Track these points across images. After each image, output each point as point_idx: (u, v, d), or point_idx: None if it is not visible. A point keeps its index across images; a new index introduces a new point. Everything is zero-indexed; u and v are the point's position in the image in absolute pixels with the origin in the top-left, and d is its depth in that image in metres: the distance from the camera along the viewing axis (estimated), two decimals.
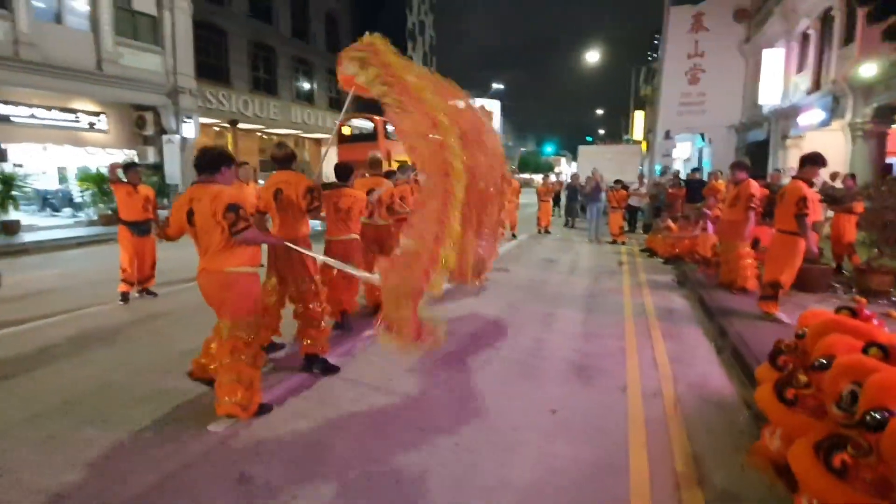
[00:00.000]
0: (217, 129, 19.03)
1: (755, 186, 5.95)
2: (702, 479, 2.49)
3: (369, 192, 4.83)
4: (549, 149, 74.93)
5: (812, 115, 12.63)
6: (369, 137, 13.25)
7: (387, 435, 2.86)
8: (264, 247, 3.31)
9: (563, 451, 2.71)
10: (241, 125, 18.62)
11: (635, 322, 5.14)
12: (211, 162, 2.86)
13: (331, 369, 3.73)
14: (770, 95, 15.19)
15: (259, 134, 21.69)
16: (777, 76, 15.04)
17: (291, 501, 2.27)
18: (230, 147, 18.43)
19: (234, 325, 2.85)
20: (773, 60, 15.16)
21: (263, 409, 3.06)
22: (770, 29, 15.72)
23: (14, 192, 11.24)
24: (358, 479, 2.44)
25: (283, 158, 3.71)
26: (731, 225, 6.10)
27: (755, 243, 6.57)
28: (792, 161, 13.56)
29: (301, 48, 22.56)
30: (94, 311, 5.44)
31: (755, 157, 16.93)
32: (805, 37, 14.10)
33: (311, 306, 3.66)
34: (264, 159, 22.15)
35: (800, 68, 14.39)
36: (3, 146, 12.85)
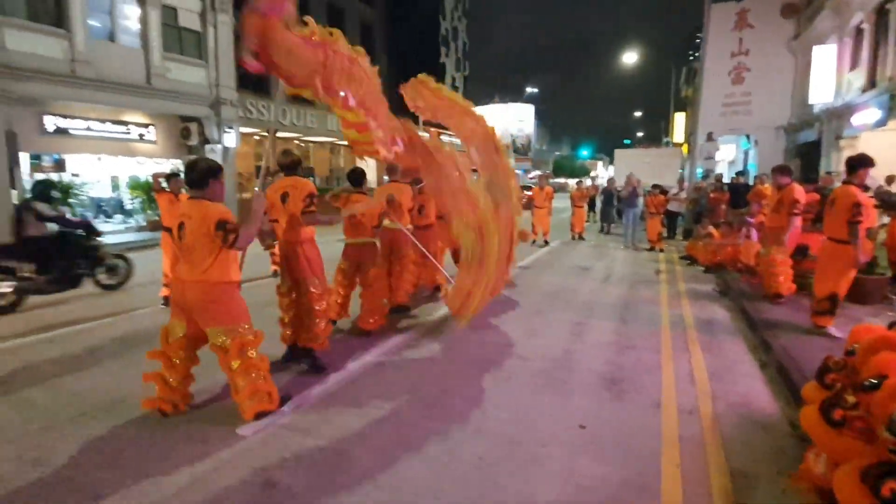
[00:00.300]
0: (256, 137, 19.71)
1: (799, 191, 5.68)
2: (739, 502, 2.34)
3: (389, 198, 5.00)
4: (584, 152, 73.68)
5: (867, 115, 11.85)
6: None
7: (409, 445, 2.83)
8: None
9: (592, 469, 2.61)
10: (279, 134, 19.22)
11: (672, 334, 4.93)
12: (199, 177, 2.98)
13: (319, 368, 3.88)
14: (821, 94, 14.36)
15: (296, 142, 22.31)
16: (829, 74, 14.22)
17: None
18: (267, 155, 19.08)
19: (230, 330, 2.96)
20: (825, 57, 14.34)
21: (284, 400, 3.26)
22: (821, 24, 14.90)
23: (71, 200, 12.01)
24: (380, 490, 2.43)
25: (289, 165, 4.01)
26: (775, 231, 5.82)
27: (805, 251, 6.20)
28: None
29: None
30: (138, 314, 5.71)
31: (806, 158, 16.05)
32: (859, 32, 13.28)
33: (315, 306, 3.85)
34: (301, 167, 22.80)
35: (853, 65, 13.55)
36: (63, 157, 13.76)
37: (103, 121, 13.16)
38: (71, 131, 12.54)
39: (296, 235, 3.88)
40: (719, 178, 12.86)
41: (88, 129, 12.86)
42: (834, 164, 13.37)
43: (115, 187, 17.03)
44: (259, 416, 3.05)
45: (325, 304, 3.94)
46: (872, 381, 2.12)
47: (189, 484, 2.47)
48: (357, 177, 4.88)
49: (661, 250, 10.65)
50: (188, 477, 2.53)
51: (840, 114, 13.54)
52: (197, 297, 2.95)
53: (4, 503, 2.33)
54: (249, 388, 2.99)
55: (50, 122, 12.12)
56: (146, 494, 2.39)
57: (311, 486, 2.46)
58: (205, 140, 14.87)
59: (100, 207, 16.16)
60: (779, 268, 5.74)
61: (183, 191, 6.28)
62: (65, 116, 12.37)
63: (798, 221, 5.68)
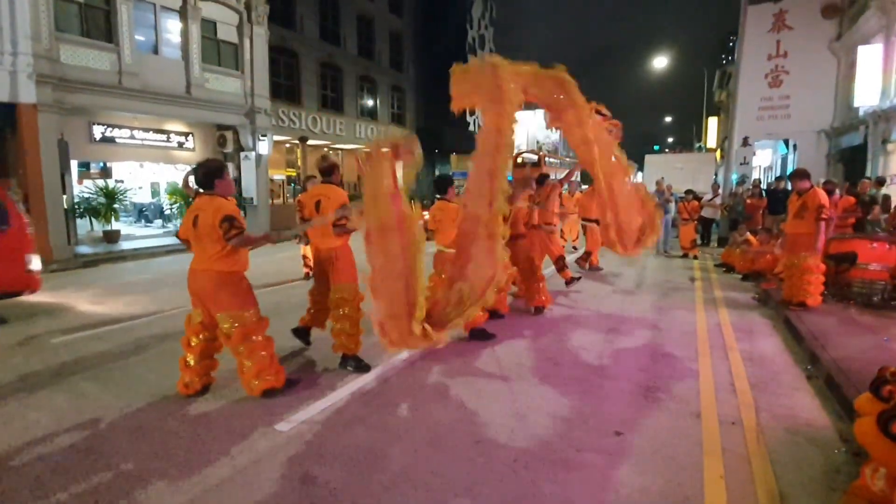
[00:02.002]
0: (288, 145, 20.23)
1: (823, 196, 5.53)
2: None
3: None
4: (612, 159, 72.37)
5: None
6: (535, 164, 16.60)
7: (444, 446, 2.84)
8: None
9: (630, 477, 2.55)
10: (309, 141, 19.68)
11: (710, 342, 4.78)
12: (206, 178, 3.30)
13: (363, 368, 3.94)
14: (867, 96, 13.75)
15: (326, 149, 22.78)
16: (875, 75, 13.60)
17: None
18: (299, 162, 19.55)
19: (236, 316, 3.26)
20: (871, 58, 13.73)
21: (291, 383, 3.54)
22: (865, 24, 14.30)
23: (115, 205, 12.59)
24: (417, 489, 2.44)
25: (325, 170, 4.06)
26: (798, 237, 5.64)
27: (853, 259, 5.94)
28: (895, 168, 12.18)
29: (366, 66, 23.54)
30: (178, 313, 5.91)
31: (850, 163, 15.37)
32: None
33: (346, 311, 3.90)
34: None
35: None
36: (109, 164, 14.46)
37: (146, 130, 13.78)
38: (117, 140, 13.17)
39: (328, 242, 3.94)
40: (757, 183, 12.45)
41: (132, 137, 13.48)
42: (881, 168, 12.76)
43: (156, 193, 17.78)
44: (266, 393, 3.35)
45: (358, 308, 3.95)
46: None
47: (231, 476, 2.54)
48: (443, 183, 4.82)
49: (696, 257, 10.35)
50: (230, 469, 2.60)
51: (888, 116, 12.93)
52: (206, 284, 3.27)
53: (60, 491, 2.44)
54: (256, 368, 3.30)
55: (98, 131, 12.75)
56: (192, 485, 2.47)
57: (348, 482, 2.49)
58: (239, 147, 15.36)
59: (141, 212, 16.88)
60: (811, 275, 5.52)
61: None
62: (111, 126, 13.00)
63: (824, 227, 5.49)
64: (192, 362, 3.41)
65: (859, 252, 5.92)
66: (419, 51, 27.98)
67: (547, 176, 6.28)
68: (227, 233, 3.13)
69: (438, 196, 4.75)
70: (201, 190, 3.36)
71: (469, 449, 2.81)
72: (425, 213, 4.73)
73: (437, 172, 26.75)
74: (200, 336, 3.39)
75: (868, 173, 12.72)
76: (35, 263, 5.65)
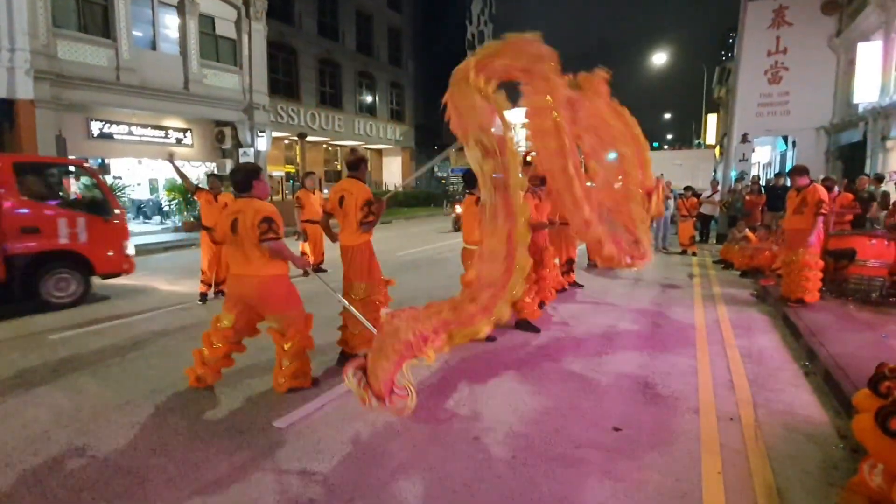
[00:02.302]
0: (287, 141, 20.19)
1: (823, 191, 5.55)
2: None
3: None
4: (611, 156, 72.43)
5: None
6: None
7: (443, 443, 2.84)
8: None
9: (629, 472, 2.55)
10: (308, 138, 19.64)
11: (709, 339, 4.79)
12: (244, 180, 3.25)
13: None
14: (866, 93, 13.74)
15: (325, 146, 22.75)
16: (874, 72, 13.59)
17: (349, 502, 2.30)
18: (298, 158, 19.51)
19: (288, 316, 3.29)
20: (870, 55, 13.72)
21: (315, 382, 3.56)
22: (865, 21, 14.27)
23: None
24: (415, 485, 2.44)
25: (352, 164, 3.98)
26: (797, 234, 5.65)
27: (852, 255, 5.94)
28: (894, 164, 12.17)
29: (365, 62, 23.47)
30: (176, 309, 5.91)
31: (849, 160, 15.37)
32: None
33: (373, 314, 3.79)
34: (329, 170, 23.20)
35: None
36: (107, 161, 14.41)
37: (144, 126, 13.74)
38: (114, 136, 13.14)
39: (353, 239, 3.88)
40: (756, 180, 12.44)
41: (130, 133, 13.45)
42: (880, 165, 12.76)
43: (154, 189, 17.74)
44: (291, 390, 3.39)
45: (383, 308, 3.93)
46: None
47: (228, 473, 2.54)
48: (473, 178, 4.72)
49: (694, 254, 10.36)
50: (228, 466, 2.60)
51: (887, 113, 12.93)
52: (254, 290, 3.25)
53: (57, 487, 2.44)
54: (294, 368, 3.35)
55: (95, 128, 12.71)
56: (190, 481, 2.46)
57: (346, 478, 2.49)
58: (238, 144, 15.33)
59: (139, 209, 16.84)
60: (809, 272, 5.54)
61: (222, 190, 6.50)
62: (109, 122, 12.96)
63: (822, 222, 5.51)
64: (209, 361, 3.39)
65: (858, 248, 5.93)
66: (418, 47, 27.91)
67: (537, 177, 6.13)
68: (263, 234, 3.08)
69: (468, 191, 4.62)
70: (226, 190, 3.33)
71: (467, 445, 2.81)
72: (457, 207, 4.61)
73: (436, 169, 26.74)
74: (225, 340, 3.34)
75: (867, 170, 12.72)
76: (130, 249, 6.55)
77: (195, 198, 6.45)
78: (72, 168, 7.31)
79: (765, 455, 2.72)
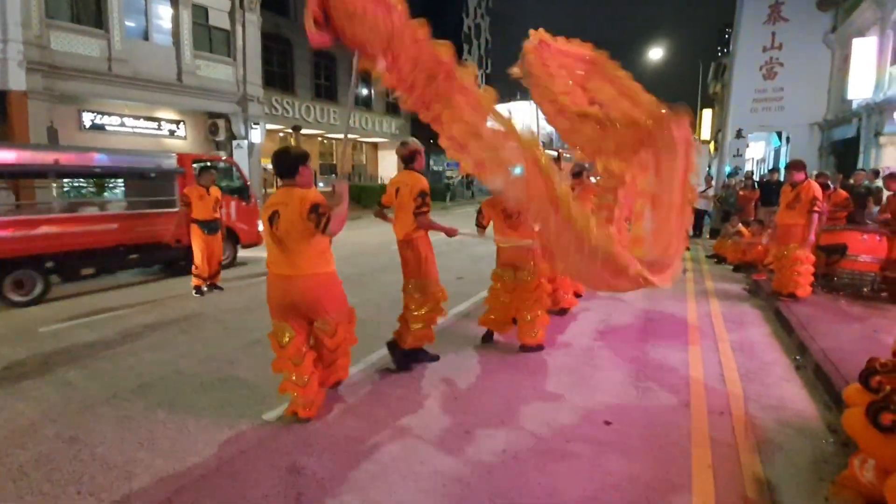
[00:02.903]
0: (281, 134, 20.03)
1: (817, 188, 5.57)
2: None
3: None
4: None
5: None
6: (555, 160, 16.41)
7: (434, 437, 2.82)
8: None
9: (619, 466, 2.55)
10: (303, 131, 19.49)
11: (700, 333, 4.80)
12: (290, 166, 2.86)
13: (435, 358, 3.93)
14: (861, 89, 13.78)
15: (320, 139, 22.59)
16: (869, 68, 13.63)
17: (338, 497, 2.29)
18: None
19: (338, 315, 2.99)
20: (865, 50, 13.75)
21: (338, 383, 3.39)
22: (861, 17, 14.29)
23: (105, 194, 12.41)
24: (404, 479, 2.43)
25: (407, 156, 3.75)
26: (789, 228, 5.68)
27: (843, 250, 5.97)
28: (887, 160, 12.22)
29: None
30: (169, 303, 5.87)
31: (842, 156, 15.43)
32: None
33: (411, 305, 3.72)
34: (324, 163, 23.06)
35: None
36: None
37: (137, 117, 13.57)
38: (107, 127, 12.98)
39: (405, 233, 3.69)
40: (749, 175, 12.48)
41: (123, 125, 13.29)
42: (873, 161, 12.82)
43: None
44: (336, 384, 3.30)
45: (439, 308, 3.79)
46: None
47: (217, 467, 2.52)
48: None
49: (688, 249, 10.38)
50: (216, 460, 2.58)
51: (881, 109, 12.98)
52: (304, 291, 2.85)
53: (43, 481, 2.41)
54: (343, 363, 3.18)
55: (87, 119, 12.56)
56: (177, 476, 2.44)
57: (336, 471, 2.48)
58: (232, 136, 15.18)
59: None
60: (801, 266, 5.56)
61: (214, 183, 6.44)
62: (101, 113, 12.80)
63: (816, 218, 5.53)
64: (303, 382, 2.92)
65: (850, 243, 5.96)
66: None
67: (583, 167, 5.85)
68: (318, 224, 2.67)
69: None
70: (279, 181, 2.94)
71: (459, 439, 2.80)
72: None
73: (432, 163, 26.64)
74: (300, 355, 2.92)
75: (860, 166, 12.78)
76: (261, 226, 7.00)
77: (183, 197, 6.29)
78: (221, 164, 9.18)
79: (755, 449, 2.73)
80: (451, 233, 3.85)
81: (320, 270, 2.88)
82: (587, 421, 3.03)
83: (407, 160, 3.76)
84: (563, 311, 5.26)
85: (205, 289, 6.25)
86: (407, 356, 3.79)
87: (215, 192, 6.31)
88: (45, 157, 6.12)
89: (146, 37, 12.92)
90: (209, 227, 6.17)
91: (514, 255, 4.12)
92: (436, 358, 3.97)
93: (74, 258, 6.14)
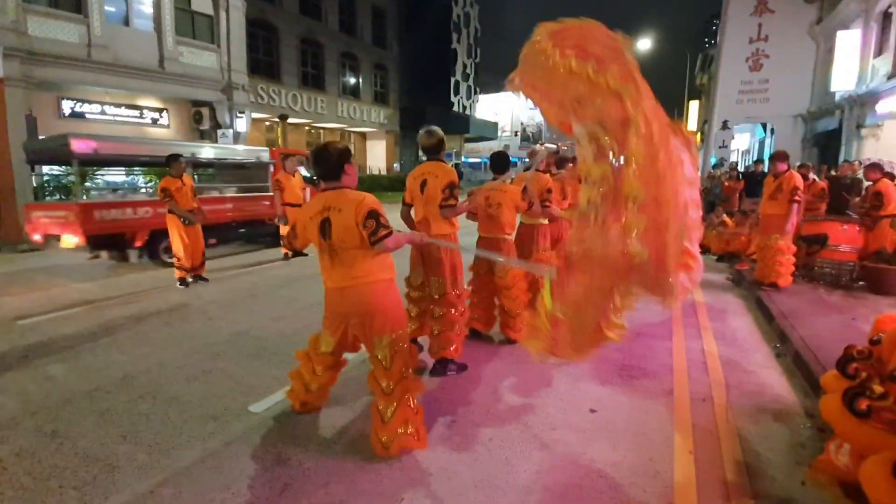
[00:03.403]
0: (268, 123, 19.74)
1: (798, 179, 5.66)
2: (756, 493, 2.30)
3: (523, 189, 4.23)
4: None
5: (893, 102, 11.51)
6: (555, 153, 16.07)
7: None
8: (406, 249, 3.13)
9: (603, 453, 2.59)
10: (290, 120, 19.23)
11: (684, 322, 4.87)
12: (335, 165, 2.50)
13: (463, 367, 3.62)
14: (844, 81, 13.99)
15: (307, 128, 22.32)
16: (852, 60, 13.82)
17: (324, 487, 2.30)
18: (279, 141, 19.10)
19: (397, 339, 2.54)
20: (849, 43, 13.93)
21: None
22: (845, 9, 14.45)
23: (87, 184, 12.14)
24: (392, 468, 2.44)
25: (431, 147, 3.46)
26: (771, 219, 5.78)
27: (824, 240, 6.08)
28: (868, 152, 12.44)
29: (348, 42, 22.95)
30: (152, 293, 5.78)
31: (824, 147, 15.68)
32: (886, 16, 12.85)
33: (451, 310, 3.50)
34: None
35: (879, 51, 13.14)
36: None
37: (118, 105, 13.26)
38: (87, 115, 12.66)
39: (436, 229, 3.39)
40: (734, 166, 12.63)
41: (103, 113, 12.97)
42: (854, 152, 13.04)
43: (129, 172, 17.19)
44: (404, 448, 2.55)
45: (462, 308, 3.59)
46: None
47: (202, 459, 2.50)
48: (501, 162, 4.16)
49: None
50: (201, 452, 2.56)
51: (863, 101, 13.18)
52: (361, 301, 2.51)
53: (24, 475, 2.37)
54: (401, 417, 2.50)
55: (67, 107, 12.24)
56: (161, 468, 2.42)
57: (323, 462, 2.47)
58: (216, 125, 14.92)
59: (115, 191, 16.33)
60: (783, 256, 5.66)
61: (187, 173, 6.27)
62: (81, 101, 12.48)
63: (796, 209, 5.63)
64: (313, 388, 2.81)
65: (830, 234, 6.07)
66: (403, 28, 27.36)
67: (567, 158, 5.67)
68: (374, 233, 2.38)
69: (496, 176, 4.12)
70: (317, 182, 2.59)
71: (444, 429, 2.81)
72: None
73: (419, 153, 26.53)
74: (326, 366, 2.75)
75: (842, 157, 13.00)
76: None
77: (164, 191, 5.88)
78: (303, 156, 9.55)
79: (735, 434, 2.79)
80: (467, 210, 3.65)
81: (379, 277, 2.53)
82: (572, 409, 3.06)
83: (432, 150, 3.46)
84: None
85: (189, 280, 6.16)
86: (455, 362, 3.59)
87: (189, 179, 6.15)
88: (186, 150, 7.58)
89: (127, 22, 12.58)
90: (187, 217, 6.03)
91: (490, 248, 4.00)
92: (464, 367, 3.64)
93: (205, 230, 6.66)
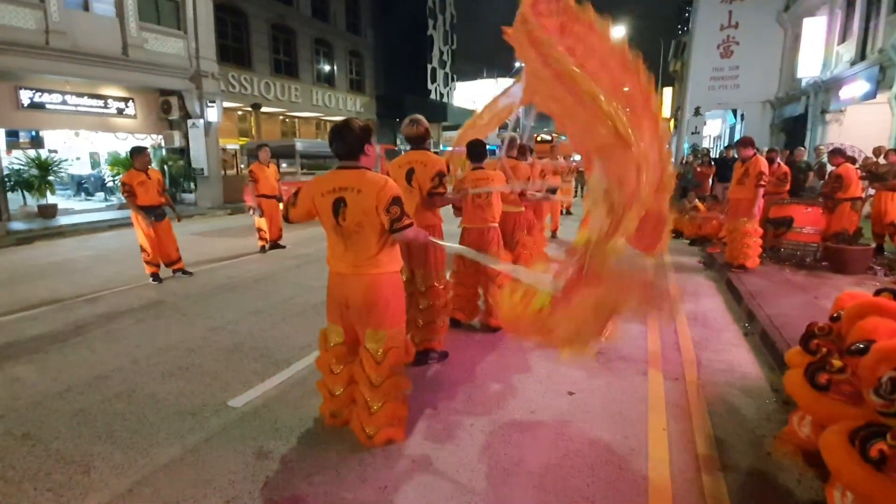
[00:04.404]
0: (240, 112, 19.22)
1: (764, 163, 5.84)
2: (725, 465, 2.41)
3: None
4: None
5: (855, 88, 11.90)
6: (549, 142, 16.00)
7: None
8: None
9: (580, 433, 2.67)
10: (263, 109, 18.75)
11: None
12: (355, 143, 2.36)
13: (444, 355, 3.64)
14: (809, 67, 14.38)
15: (281, 117, 21.83)
16: (817, 47, 14.20)
17: (307, 478, 2.30)
18: (253, 130, 18.65)
19: (394, 334, 2.50)
20: (814, 30, 14.30)
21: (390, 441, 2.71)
22: None
23: (50, 178, 11.66)
24: (373, 457, 2.46)
25: (417, 137, 3.41)
26: (740, 202, 5.98)
27: (790, 222, 6.30)
28: (832, 136, 12.87)
29: (321, 29, 22.41)
30: (124, 291, 5.62)
31: (791, 132, 16.14)
32: (850, 3, 13.21)
33: (437, 302, 3.51)
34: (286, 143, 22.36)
35: (843, 38, 13.53)
36: (40, 133, 13.29)
37: (80, 94, 12.69)
38: (47, 105, 12.10)
39: (421, 220, 3.30)
40: (706, 152, 12.90)
41: (64, 103, 12.40)
42: (819, 137, 13.46)
43: (96, 164, 16.59)
44: (389, 441, 2.56)
45: (446, 300, 3.60)
46: (860, 345, 2.16)
47: (181, 455, 2.47)
48: (477, 151, 4.12)
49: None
50: (180, 448, 2.53)
51: (828, 87, 13.58)
52: (361, 291, 2.41)
53: None
54: (388, 413, 2.50)
55: (25, 97, 11.66)
56: (138, 467, 2.39)
57: (304, 454, 2.48)
58: (186, 114, 14.45)
59: (80, 185, 15.76)
60: (750, 239, 5.86)
61: (153, 166, 6.05)
62: (40, 90, 11.90)
63: (762, 192, 5.81)
64: (337, 392, 2.63)
65: (796, 216, 6.30)
66: (378, 14, 26.87)
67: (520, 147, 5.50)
68: (396, 220, 2.29)
69: (475, 165, 4.08)
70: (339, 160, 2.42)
71: (427, 416, 2.84)
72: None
73: (397, 141, 26.30)
74: (341, 359, 2.61)
75: (807, 142, 13.42)
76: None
77: (124, 185, 5.65)
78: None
79: (705, 410, 2.91)
80: (458, 202, 3.70)
81: (386, 269, 2.44)
82: (551, 392, 3.13)
83: (418, 140, 3.43)
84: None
85: (160, 276, 6.00)
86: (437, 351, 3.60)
87: (155, 173, 5.92)
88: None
89: (86, 7, 12.00)
90: (154, 213, 5.83)
91: (478, 238, 4.01)
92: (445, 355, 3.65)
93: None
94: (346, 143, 2.36)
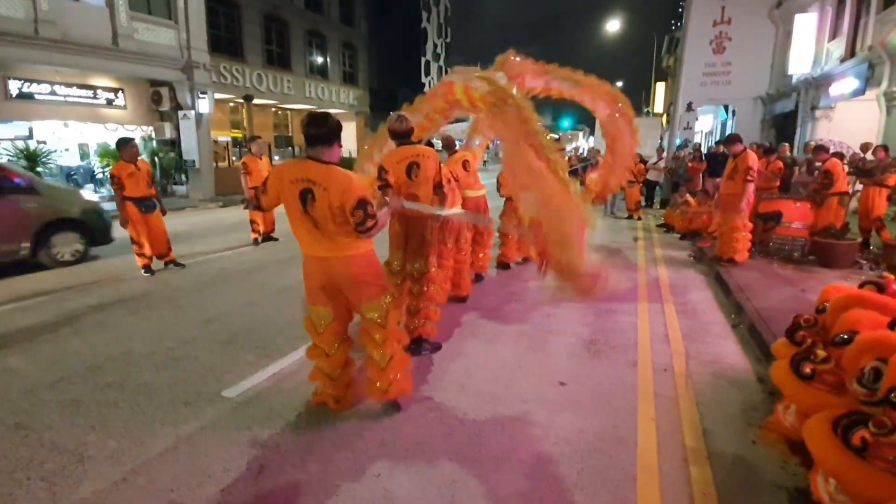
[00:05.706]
0: (232, 104, 19.04)
1: (753, 159, 5.90)
2: (712, 453, 2.47)
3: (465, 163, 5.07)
4: (565, 123, 73.16)
5: (845, 84, 12.01)
6: None
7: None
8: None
9: (571, 423, 2.71)
10: (255, 101, 18.58)
11: (649, 297, 5.06)
12: (330, 132, 2.41)
13: (437, 347, 3.69)
14: (800, 64, 14.47)
15: (273, 109, 21.65)
16: (808, 43, 14.29)
17: (301, 466, 2.33)
18: (245, 122, 18.47)
19: (382, 303, 2.63)
20: (805, 26, 14.38)
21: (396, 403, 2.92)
22: None
23: (39, 169, 11.49)
24: (368, 444, 2.49)
25: (404, 133, 3.43)
26: (730, 197, 6.04)
27: (779, 217, 6.39)
28: (821, 133, 13.00)
29: (314, 20, 22.20)
30: (115, 282, 5.59)
31: (782, 129, 16.28)
32: (841, 1, 13.31)
33: (430, 287, 3.56)
34: (279, 135, 22.18)
35: (833, 35, 13.63)
36: (29, 124, 13.08)
37: (69, 85, 12.52)
38: (36, 96, 11.93)
39: (429, 213, 3.40)
40: (697, 147, 12.99)
41: (53, 93, 12.23)
42: (809, 134, 13.59)
43: (85, 155, 16.36)
44: (396, 401, 2.79)
45: (440, 285, 3.76)
46: (844, 336, 2.22)
47: (175, 445, 2.49)
48: (448, 144, 5.25)
49: (640, 218, 10.80)
50: (174, 438, 2.54)
51: (818, 84, 13.69)
52: (346, 273, 2.53)
53: None
54: (398, 363, 2.70)
55: (14, 87, 11.49)
56: (132, 456, 2.40)
57: (299, 443, 2.50)
58: (177, 106, 14.29)
59: (70, 176, 15.54)
60: (740, 233, 5.94)
61: (142, 157, 5.97)
62: (29, 80, 11.73)
63: (752, 188, 5.87)
64: (335, 375, 2.72)
65: (784, 211, 6.38)
66: (372, 6, 26.63)
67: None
68: (361, 223, 2.36)
69: (449, 153, 5.05)
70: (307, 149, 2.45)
71: (420, 406, 2.88)
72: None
73: None
74: (336, 338, 2.68)
75: (797, 139, 13.54)
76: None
77: (113, 177, 5.60)
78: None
79: (693, 401, 2.96)
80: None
81: (360, 251, 2.55)
82: (543, 382, 3.18)
83: (405, 136, 3.44)
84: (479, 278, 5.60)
85: (153, 268, 5.97)
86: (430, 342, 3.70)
87: (144, 165, 5.87)
88: None
89: None
90: (144, 204, 5.78)
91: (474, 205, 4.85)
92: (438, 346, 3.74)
93: None
94: (321, 131, 2.40)
